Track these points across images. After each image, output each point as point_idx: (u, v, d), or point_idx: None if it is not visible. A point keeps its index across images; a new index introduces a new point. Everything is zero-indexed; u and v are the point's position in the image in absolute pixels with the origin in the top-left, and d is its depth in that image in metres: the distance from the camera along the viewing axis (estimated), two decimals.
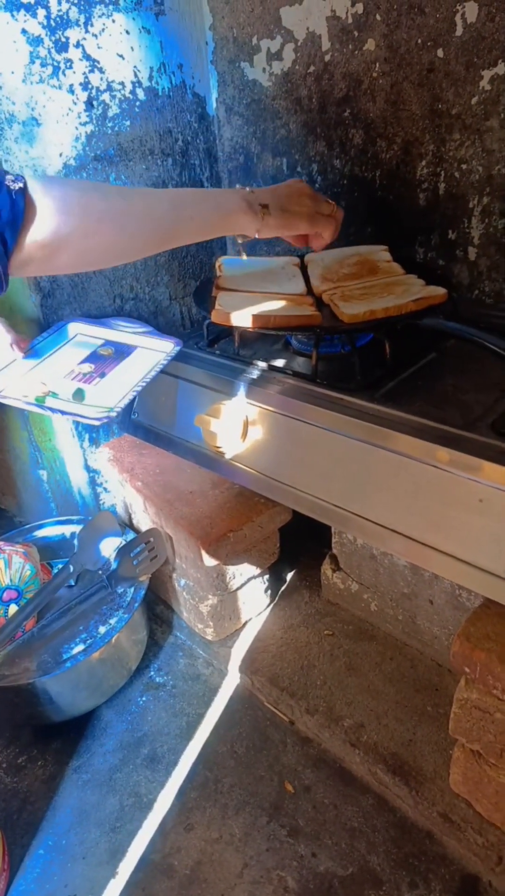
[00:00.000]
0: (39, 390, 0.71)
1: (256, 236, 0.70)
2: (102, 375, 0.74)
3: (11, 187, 0.52)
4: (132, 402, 0.72)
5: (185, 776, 0.90)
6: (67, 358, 0.79)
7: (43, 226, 0.54)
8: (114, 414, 0.68)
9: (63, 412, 0.69)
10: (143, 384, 0.73)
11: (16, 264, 0.54)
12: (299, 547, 1.15)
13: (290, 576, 1.16)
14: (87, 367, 0.76)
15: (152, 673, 1.06)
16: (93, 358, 0.78)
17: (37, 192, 0.54)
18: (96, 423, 0.68)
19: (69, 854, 0.83)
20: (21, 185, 0.53)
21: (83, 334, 0.84)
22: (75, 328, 0.84)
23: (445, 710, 0.75)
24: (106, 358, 0.78)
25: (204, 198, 0.70)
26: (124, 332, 0.83)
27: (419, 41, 0.81)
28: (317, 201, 0.74)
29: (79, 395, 0.71)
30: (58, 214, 0.55)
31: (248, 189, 0.70)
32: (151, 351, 0.79)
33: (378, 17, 0.83)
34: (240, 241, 0.75)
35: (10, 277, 0.55)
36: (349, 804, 0.85)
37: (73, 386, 0.73)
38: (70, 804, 0.88)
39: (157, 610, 1.16)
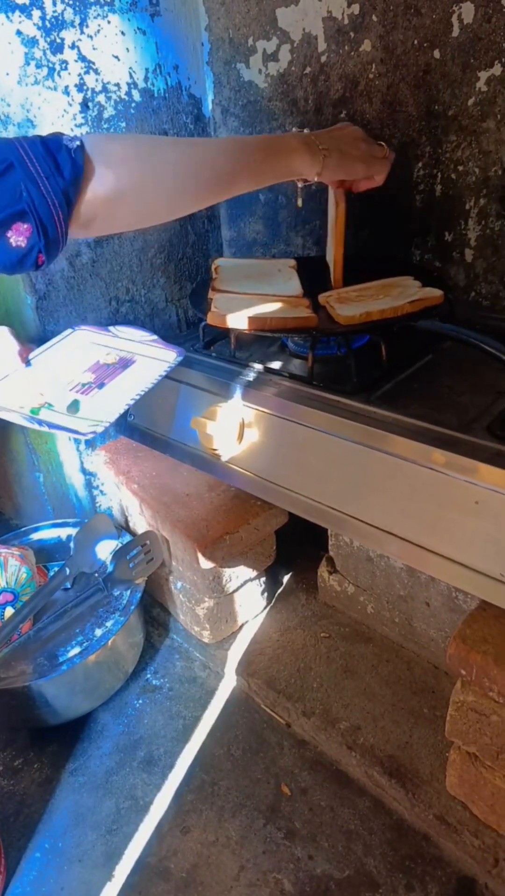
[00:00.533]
0: (37, 401, 0.71)
1: (316, 179, 0.70)
2: (101, 386, 0.73)
3: (70, 146, 0.53)
4: (124, 413, 0.71)
5: (181, 779, 0.90)
6: (71, 367, 0.78)
7: (103, 180, 0.55)
8: (100, 429, 0.67)
9: (52, 425, 0.68)
10: (137, 397, 0.72)
11: (80, 223, 0.55)
12: (296, 549, 1.15)
13: (286, 578, 1.15)
14: (88, 377, 0.75)
15: (149, 675, 1.05)
16: (95, 367, 0.77)
17: (95, 148, 0.55)
18: (82, 437, 0.67)
19: (65, 857, 0.82)
20: (78, 143, 0.54)
21: (90, 342, 0.83)
22: (83, 336, 0.84)
23: (442, 713, 0.75)
24: (109, 367, 0.77)
25: (262, 142, 0.69)
26: (130, 341, 0.82)
27: (415, 42, 0.81)
28: (370, 144, 0.73)
29: (74, 406, 0.70)
30: (116, 167, 0.56)
31: (305, 131, 0.71)
32: (154, 360, 0.78)
33: (374, 18, 0.83)
34: (300, 185, 0.75)
35: (71, 238, 0.56)
36: (346, 806, 0.84)
37: (70, 397, 0.72)
38: (66, 807, 0.88)
39: (154, 612, 1.16)
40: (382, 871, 0.78)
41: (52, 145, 0.53)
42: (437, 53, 0.80)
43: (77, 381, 0.75)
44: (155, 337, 0.83)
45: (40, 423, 0.68)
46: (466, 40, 0.77)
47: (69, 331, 0.85)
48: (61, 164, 0.52)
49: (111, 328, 0.85)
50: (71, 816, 0.87)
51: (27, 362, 0.78)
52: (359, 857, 0.79)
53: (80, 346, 0.82)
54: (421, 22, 0.79)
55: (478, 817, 0.76)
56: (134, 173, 0.57)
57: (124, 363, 0.78)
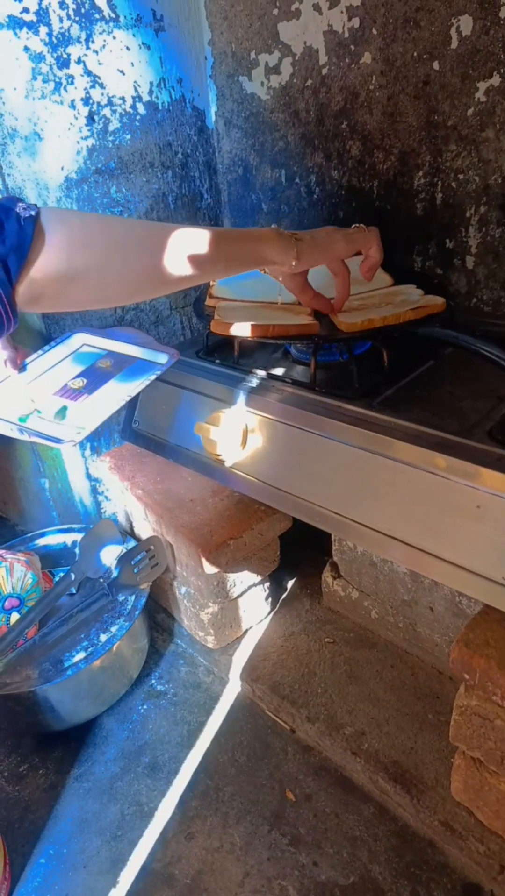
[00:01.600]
0: (27, 408, 0.70)
1: (294, 264, 0.66)
2: (91, 391, 0.73)
3: (22, 214, 0.50)
4: (108, 419, 0.71)
5: (186, 785, 0.90)
6: (65, 371, 0.77)
7: (55, 256, 0.51)
8: (80, 437, 0.66)
9: (35, 433, 0.66)
10: (123, 403, 0.71)
11: (26, 298, 0.52)
12: (300, 554, 1.15)
13: (290, 583, 1.16)
14: (80, 382, 0.74)
15: (153, 681, 1.06)
16: (89, 372, 0.77)
17: (51, 221, 0.51)
18: (62, 446, 0.66)
19: (70, 863, 0.82)
20: (33, 213, 0.50)
21: (87, 345, 0.83)
22: (80, 339, 0.84)
23: (446, 718, 0.75)
24: (102, 371, 0.77)
25: (233, 231, 0.69)
26: (126, 344, 0.82)
27: (415, 54, 0.83)
28: (347, 230, 0.71)
29: (61, 413, 0.69)
30: (73, 244, 0.52)
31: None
32: (147, 363, 0.78)
33: (374, 31, 0.85)
34: (280, 280, 0.71)
35: (21, 311, 0.52)
36: (350, 812, 0.84)
37: (59, 403, 0.71)
38: (71, 813, 0.88)
39: (158, 618, 1.16)
40: (388, 877, 0.77)
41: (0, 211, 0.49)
42: (436, 65, 0.81)
43: (69, 386, 0.74)
44: (151, 339, 0.83)
45: (22, 430, 0.67)
46: (464, 52, 0.78)
47: (68, 334, 0.86)
48: (6, 231, 0.48)
49: (109, 331, 0.86)
50: (76, 822, 0.87)
51: (22, 367, 0.77)
52: (364, 863, 0.79)
53: (76, 351, 0.82)
54: (420, 34, 0.81)
55: (483, 823, 0.76)
56: (93, 252, 0.53)
57: (118, 367, 0.77)
